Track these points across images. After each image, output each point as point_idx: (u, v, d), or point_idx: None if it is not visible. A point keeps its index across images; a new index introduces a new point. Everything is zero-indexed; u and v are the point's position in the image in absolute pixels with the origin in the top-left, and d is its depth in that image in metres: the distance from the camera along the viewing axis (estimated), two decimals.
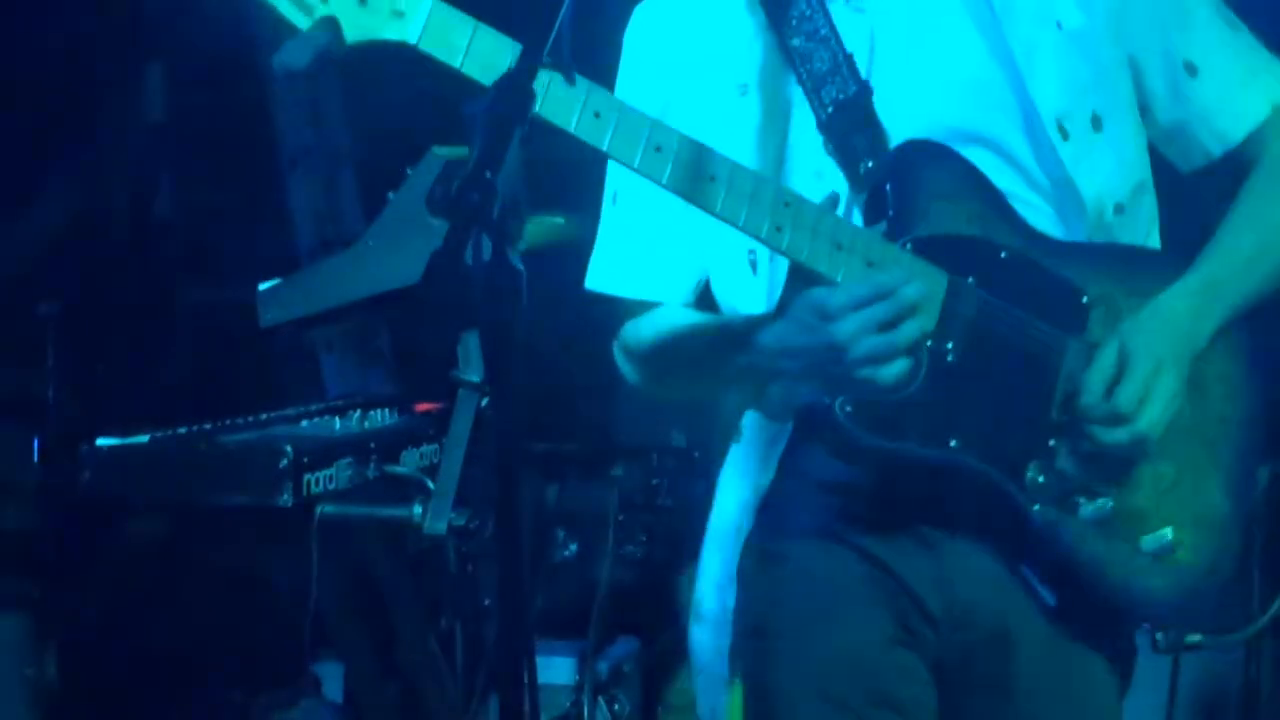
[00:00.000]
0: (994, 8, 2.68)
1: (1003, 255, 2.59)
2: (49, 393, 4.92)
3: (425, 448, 4.00)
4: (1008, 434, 2.57)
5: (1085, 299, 2.61)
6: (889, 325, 2.46)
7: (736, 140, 2.68)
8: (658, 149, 2.47)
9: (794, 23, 2.71)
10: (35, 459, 4.41)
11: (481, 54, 2.42)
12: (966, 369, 2.54)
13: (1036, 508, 2.56)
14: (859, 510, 2.65)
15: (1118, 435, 2.56)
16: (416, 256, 3.58)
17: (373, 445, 3.85)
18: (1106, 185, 2.68)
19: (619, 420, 5.74)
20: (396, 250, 3.80)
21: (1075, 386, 2.57)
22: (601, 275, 2.85)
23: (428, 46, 2.42)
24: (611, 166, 2.80)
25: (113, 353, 5.86)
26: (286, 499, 3.59)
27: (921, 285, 2.48)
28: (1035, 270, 2.59)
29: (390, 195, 3.84)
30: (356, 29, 2.41)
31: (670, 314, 2.80)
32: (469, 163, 2.06)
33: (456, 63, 2.43)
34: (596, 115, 2.45)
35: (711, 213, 2.49)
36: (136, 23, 6.35)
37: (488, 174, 2.03)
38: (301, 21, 2.41)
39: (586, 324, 2.92)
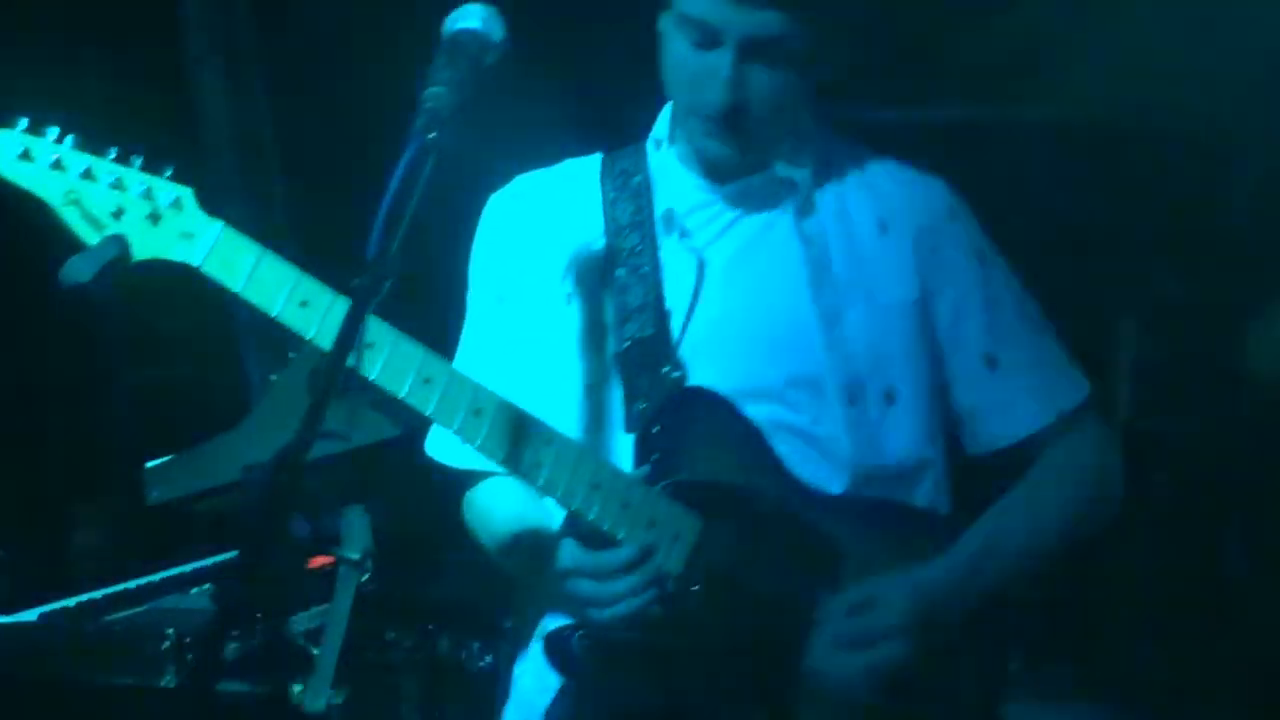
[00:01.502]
0: (807, 273, 2.81)
1: (762, 504, 2.71)
2: None
3: (315, 609, 4.08)
4: (747, 679, 2.68)
5: (838, 551, 2.73)
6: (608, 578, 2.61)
7: (559, 344, 2.86)
8: (477, 412, 2.60)
9: (624, 253, 2.85)
10: None
11: (263, 281, 2.55)
12: (710, 612, 2.66)
13: None
14: None
15: (840, 661, 2.65)
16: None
17: (259, 615, 3.92)
18: (888, 454, 2.80)
19: None
20: (279, 430, 3.86)
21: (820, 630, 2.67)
22: (436, 443, 2.97)
23: (210, 270, 2.55)
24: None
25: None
26: (169, 679, 3.68)
27: (628, 552, 2.61)
28: (793, 522, 2.71)
29: (273, 377, 3.93)
30: (145, 247, 2.55)
31: (498, 495, 2.90)
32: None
33: (238, 287, 2.56)
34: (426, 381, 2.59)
35: (473, 445, 2.61)
36: None
37: (253, 563, 2.10)
38: (90, 237, 2.54)
39: None
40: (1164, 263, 5.35)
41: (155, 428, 5.95)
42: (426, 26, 5.99)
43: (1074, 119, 5.34)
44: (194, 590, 4.07)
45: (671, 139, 2.91)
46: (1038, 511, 2.83)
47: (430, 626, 4.38)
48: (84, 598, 3.97)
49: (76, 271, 2.47)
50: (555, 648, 2.67)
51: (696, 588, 2.65)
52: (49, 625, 3.81)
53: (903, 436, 2.81)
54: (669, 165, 2.90)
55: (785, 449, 2.75)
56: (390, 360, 2.54)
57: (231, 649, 3.82)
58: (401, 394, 2.57)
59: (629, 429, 2.74)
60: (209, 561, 4.31)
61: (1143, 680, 5.11)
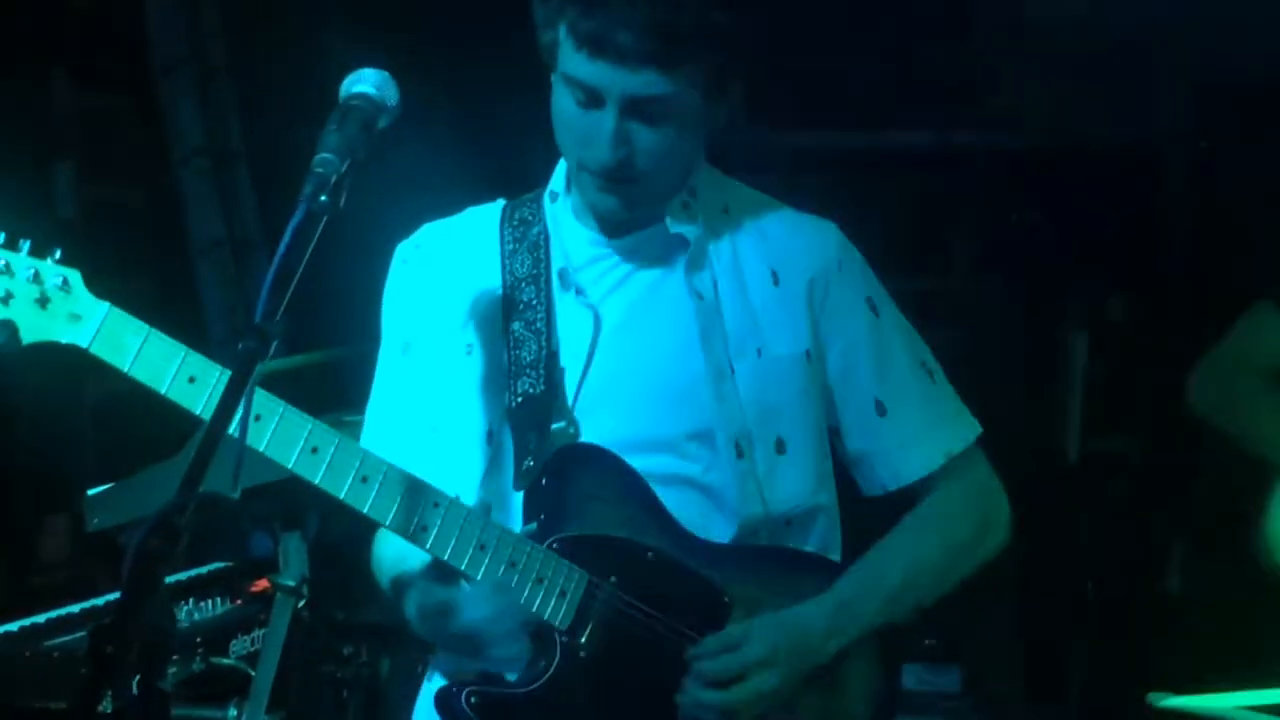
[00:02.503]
0: (698, 328, 2.85)
1: (649, 556, 2.76)
2: None
3: (256, 632, 4.14)
4: None
5: (726, 598, 2.77)
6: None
7: (460, 395, 2.90)
8: (364, 479, 2.65)
9: (520, 307, 2.90)
10: None
11: (151, 359, 2.60)
12: (599, 665, 2.72)
13: None
14: None
15: (709, 696, 2.70)
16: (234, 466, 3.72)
17: (199, 640, 3.98)
18: (778, 503, 2.84)
19: None
20: (217, 460, 3.92)
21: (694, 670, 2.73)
22: None
23: (99, 350, 2.60)
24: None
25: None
26: (106, 705, 3.72)
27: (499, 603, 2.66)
28: (680, 571, 2.76)
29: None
30: (34, 331, 2.60)
31: (385, 538, 2.93)
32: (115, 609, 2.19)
33: (125, 366, 2.61)
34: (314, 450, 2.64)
35: (360, 510, 2.66)
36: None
37: (125, 624, 2.15)
38: None
39: None
40: (1111, 282, 5.40)
41: (118, 442, 6.04)
42: (396, 33, 6.06)
43: (1020, 143, 5.39)
44: None
45: (567, 190, 2.94)
46: (914, 552, 2.88)
47: (368, 648, 4.44)
48: (26, 622, 4.01)
49: None
50: (446, 705, 2.71)
51: (583, 641, 2.70)
52: None
53: (793, 485, 2.86)
54: (564, 218, 2.93)
55: (676, 500, 2.79)
56: (277, 431, 2.59)
57: (170, 673, 3.89)
58: (289, 464, 2.62)
59: (517, 486, 2.79)
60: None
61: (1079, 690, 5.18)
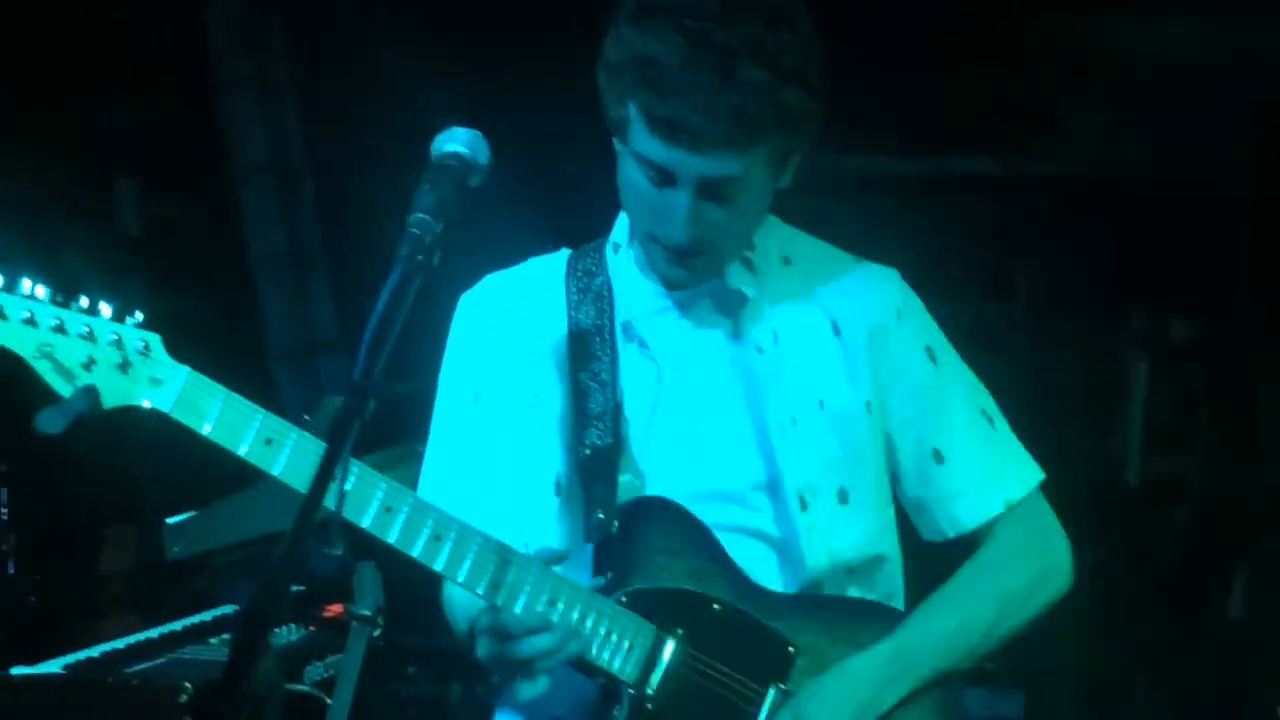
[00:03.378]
0: (760, 381, 2.89)
1: (715, 608, 2.80)
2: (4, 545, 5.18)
3: (330, 658, 4.19)
4: None
5: (791, 648, 2.81)
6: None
7: (529, 444, 2.93)
8: (437, 538, 2.69)
9: (585, 358, 2.92)
10: None
11: (229, 423, 2.63)
12: (666, 718, 2.75)
13: None
14: None
15: None
16: None
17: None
18: (841, 553, 2.88)
19: None
20: (294, 491, 3.98)
21: None
22: None
23: (179, 415, 2.63)
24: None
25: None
26: None
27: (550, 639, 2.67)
28: (745, 622, 2.80)
29: (305, 418, 4.03)
30: (116, 395, 2.62)
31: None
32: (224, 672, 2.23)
33: (204, 430, 2.64)
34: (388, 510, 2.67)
35: (433, 568, 2.71)
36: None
37: (234, 685, 2.20)
38: (63, 389, 2.60)
39: None
40: (1172, 307, 5.41)
41: (181, 453, 6.09)
42: (457, 48, 6.08)
43: (1083, 169, 5.40)
44: (213, 640, 4.18)
45: (629, 242, 2.97)
46: (969, 600, 2.90)
47: (436, 672, 4.50)
48: (107, 647, 4.08)
49: (49, 423, 2.53)
50: None
51: (650, 694, 2.74)
52: (69, 677, 3.91)
53: (856, 534, 2.89)
54: (627, 270, 2.96)
55: (741, 550, 2.83)
56: (353, 491, 2.61)
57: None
58: (365, 524, 2.66)
59: (586, 538, 2.82)
60: (227, 609, 4.44)
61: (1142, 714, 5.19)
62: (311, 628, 4.29)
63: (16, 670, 3.94)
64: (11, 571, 5.20)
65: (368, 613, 4.02)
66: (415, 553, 2.68)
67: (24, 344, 2.58)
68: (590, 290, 2.95)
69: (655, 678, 2.75)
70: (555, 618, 2.71)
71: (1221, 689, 4.94)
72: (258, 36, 6.72)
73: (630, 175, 2.79)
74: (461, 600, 2.89)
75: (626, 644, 2.74)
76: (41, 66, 6.01)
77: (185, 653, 4.11)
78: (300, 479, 2.62)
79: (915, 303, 2.98)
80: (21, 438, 5.49)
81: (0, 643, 5.12)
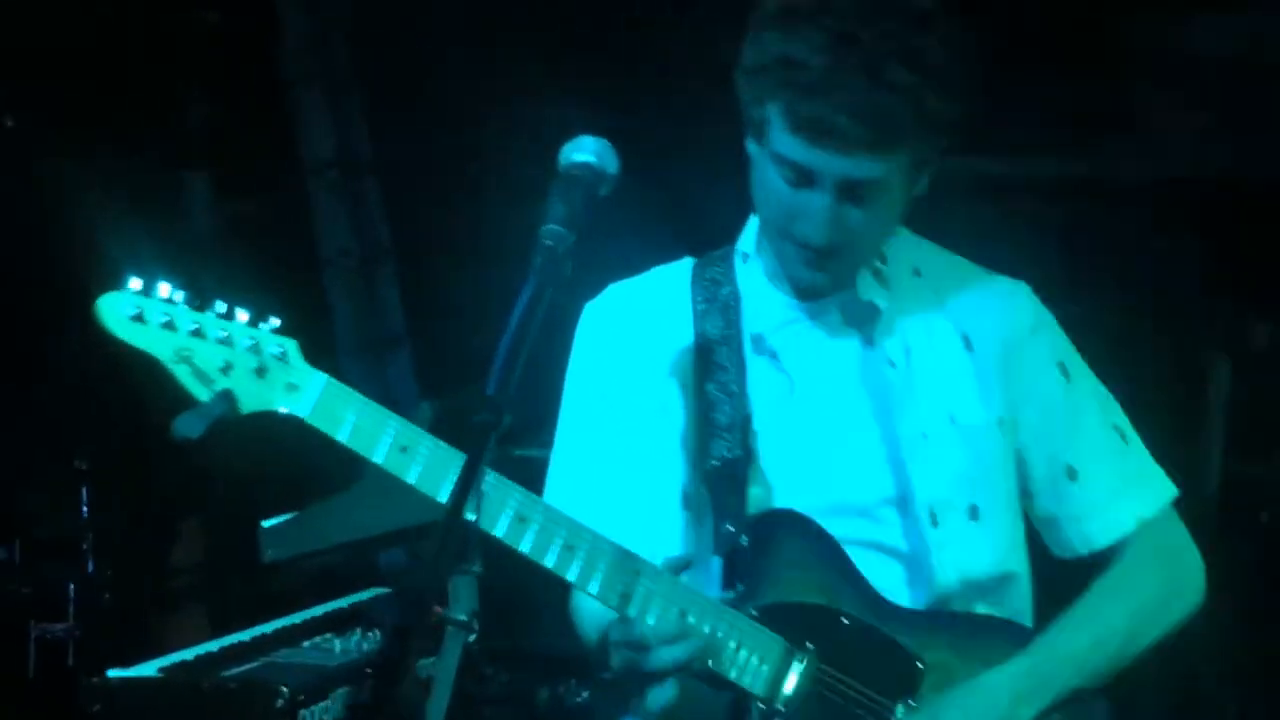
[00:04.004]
0: (892, 395, 2.88)
1: (845, 623, 2.79)
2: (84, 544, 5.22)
3: (423, 661, 4.19)
4: None
5: (920, 665, 2.79)
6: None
7: (656, 455, 2.93)
8: (569, 548, 2.69)
9: (713, 369, 2.92)
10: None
11: (365, 430, 2.64)
12: None
13: None
14: None
15: None
16: (408, 501, 3.79)
17: (368, 670, 4.05)
18: (971, 570, 2.87)
19: None
20: (390, 495, 3.98)
21: None
22: None
23: (316, 421, 2.64)
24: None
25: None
26: None
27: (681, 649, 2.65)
28: (875, 637, 2.79)
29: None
30: (253, 400, 2.63)
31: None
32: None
33: (342, 437, 2.65)
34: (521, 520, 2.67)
35: (565, 578, 2.70)
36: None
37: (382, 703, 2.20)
38: (201, 393, 2.61)
39: None
40: (1255, 309, 5.38)
41: (248, 444, 6.10)
42: (519, 47, 6.09)
43: (1164, 171, 5.38)
44: (305, 644, 4.19)
45: (758, 251, 2.96)
46: (1102, 618, 2.89)
47: (528, 676, 4.50)
48: (200, 650, 4.10)
49: (188, 428, 2.54)
50: None
51: (780, 709, 2.74)
52: (166, 680, 3.92)
53: (986, 551, 2.88)
54: (756, 280, 2.96)
55: (870, 565, 2.82)
56: (487, 500, 2.59)
57: (339, 705, 3.96)
58: (500, 534, 2.65)
59: (716, 551, 2.82)
60: (318, 611, 4.46)
61: None
62: None
63: (113, 673, 3.95)
64: (91, 570, 5.26)
65: (463, 618, 4.07)
66: (549, 563, 2.68)
67: (162, 349, 2.60)
68: (717, 300, 2.94)
69: (785, 692, 2.75)
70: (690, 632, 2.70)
71: None
72: (323, 33, 6.74)
73: (767, 177, 2.78)
74: (590, 610, 2.89)
75: (757, 658, 2.74)
76: (117, 63, 6.03)
77: (279, 656, 4.13)
78: (433, 485, 2.63)
79: (1047, 317, 2.97)
80: (104, 435, 5.60)
81: (80, 640, 5.20)
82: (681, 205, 5.20)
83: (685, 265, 3.04)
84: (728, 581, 2.80)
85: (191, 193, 6.67)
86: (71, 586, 5.22)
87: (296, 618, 4.39)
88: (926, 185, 2.85)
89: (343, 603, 4.55)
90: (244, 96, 6.63)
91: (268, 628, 4.29)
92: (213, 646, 4.14)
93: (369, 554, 4.99)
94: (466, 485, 2.36)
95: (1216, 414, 5.39)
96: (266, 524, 4.13)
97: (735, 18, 2.81)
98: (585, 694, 5.11)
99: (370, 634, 4.25)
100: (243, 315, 2.63)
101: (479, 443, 2.38)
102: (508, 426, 2.42)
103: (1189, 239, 5.34)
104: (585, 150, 2.57)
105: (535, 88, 6.21)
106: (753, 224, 2.99)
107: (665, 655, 2.68)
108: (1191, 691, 5.20)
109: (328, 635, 4.25)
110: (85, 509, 5.31)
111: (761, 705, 2.74)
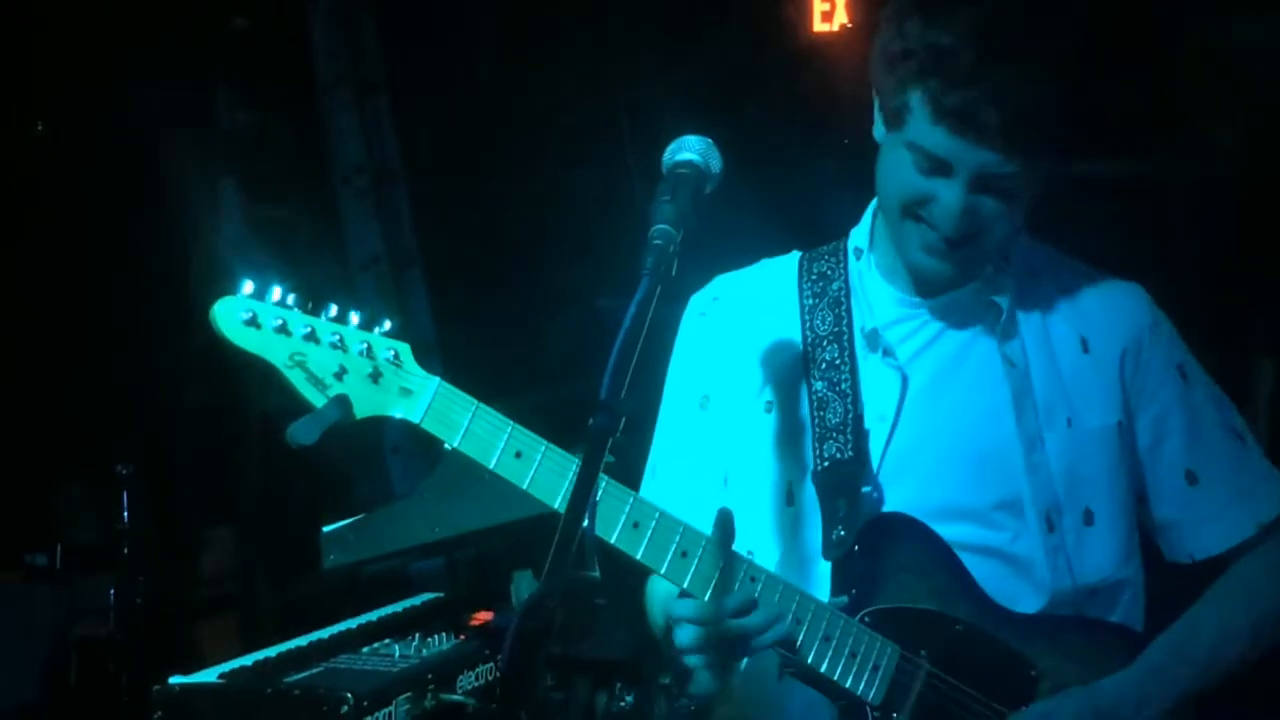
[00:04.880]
0: (1009, 395, 2.83)
1: (958, 629, 2.76)
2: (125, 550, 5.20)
3: (481, 668, 4.18)
4: None
5: (1034, 672, 2.77)
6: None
7: (760, 451, 2.89)
8: (683, 554, 2.65)
9: (823, 366, 2.87)
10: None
11: (479, 435, 2.62)
12: None
13: None
14: None
15: None
16: (469, 506, 3.77)
17: (430, 676, 4.02)
18: (1085, 576, 2.84)
19: None
20: (450, 500, 3.98)
21: None
22: None
23: (430, 426, 2.62)
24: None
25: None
26: None
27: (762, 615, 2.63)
28: (988, 643, 2.76)
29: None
30: (368, 405, 2.61)
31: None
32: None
33: (454, 442, 2.63)
34: (635, 525, 2.64)
35: (680, 584, 2.66)
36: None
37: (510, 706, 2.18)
38: (314, 396, 2.59)
39: None
40: None
41: (281, 457, 6.09)
42: (547, 51, 6.09)
43: (1210, 171, 5.37)
44: (365, 650, 4.16)
45: (872, 246, 2.93)
46: (1223, 622, 2.87)
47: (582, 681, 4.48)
48: (259, 655, 4.06)
49: (305, 435, 2.53)
50: None
51: (896, 716, 2.71)
52: (229, 686, 3.89)
53: (1100, 557, 2.85)
54: (869, 275, 2.93)
55: (982, 570, 2.79)
56: (601, 506, 2.57)
57: (402, 711, 3.93)
58: (612, 539, 2.62)
59: (827, 556, 2.78)
60: (374, 616, 4.43)
61: None
62: (462, 636, 4.28)
63: (175, 680, 3.92)
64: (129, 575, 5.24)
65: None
66: (662, 570, 2.65)
67: (276, 353, 2.57)
68: (826, 295, 2.91)
69: (900, 699, 2.72)
70: (800, 636, 2.68)
71: None
72: (352, 38, 6.73)
73: (898, 164, 2.75)
74: (663, 594, 2.86)
75: (870, 664, 2.70)
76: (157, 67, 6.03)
77: (339, 662, 4.08)
78: (547, 492, 2.61)
79: (1164, 320, 2.95)
80: (145, 441, 5.58)
81: (119, 645, 5.18)
82: (793, 201, 5.17)
83: (792, 259, 3.01)
84: (839, 587, 2.77)
85: (223, 197, 6.65)
86: (111, 592, 5.22)
87: (352, 623, 4.35)
88: (1045, 189, 2.82)
89: (397, 608, 4.52)
90: (276, 100, 6.62)
91: (323, 634, 4.25)
92: (270, 652, 4.09)
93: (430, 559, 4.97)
94: (583, 493, 2.33)
95: (1262, 409, 5.38)
96: (327, 529, 4.10)
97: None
98: (629, 699, 5.09)
99: (430, 639, 4.22)
100: (354, 318, 2.61)
101: (596, 448, 2.35)
102: (622, 430, 2.40)
103: (1234, 239, 5.33)
104: (690, 149, 2.57)
105: (573, 90, 6.21)
106: (866, 219, 2.96)
107: (741, 624, 2.64)
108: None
109: (387, 641, 4.21)
110: (125, 515, 5.29)
111: (877, 714, 2.71)
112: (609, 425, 2.34)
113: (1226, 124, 5.26)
